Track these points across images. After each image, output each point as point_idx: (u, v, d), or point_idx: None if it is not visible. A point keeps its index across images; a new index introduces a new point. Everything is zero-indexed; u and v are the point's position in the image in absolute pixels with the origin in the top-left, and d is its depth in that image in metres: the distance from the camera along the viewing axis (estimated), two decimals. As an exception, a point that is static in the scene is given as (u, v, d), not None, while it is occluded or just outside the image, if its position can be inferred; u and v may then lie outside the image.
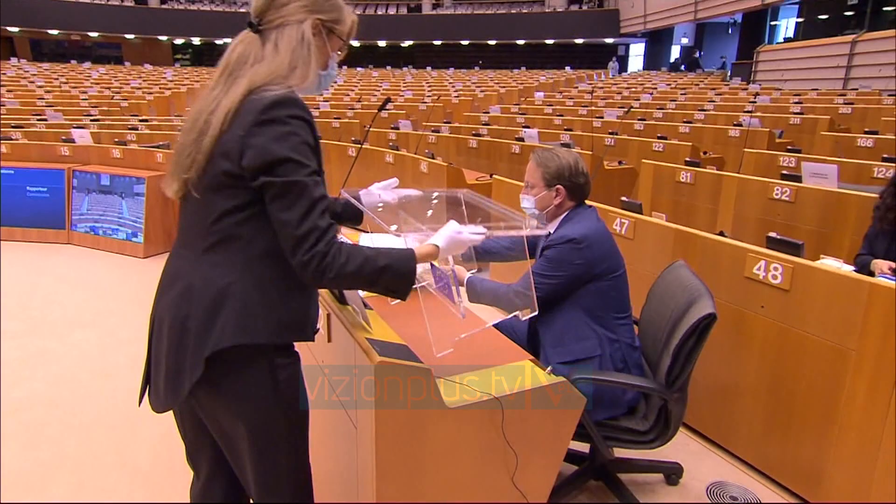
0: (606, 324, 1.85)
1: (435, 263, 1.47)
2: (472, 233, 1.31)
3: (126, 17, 21.64)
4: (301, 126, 1.10)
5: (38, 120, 7.90)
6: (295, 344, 1.23)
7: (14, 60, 18.04)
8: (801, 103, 8.96)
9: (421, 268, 1.26)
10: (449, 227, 1.29)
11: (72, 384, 2.86)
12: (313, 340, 1.24)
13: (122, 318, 3.65)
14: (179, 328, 1.12)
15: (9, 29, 20.39)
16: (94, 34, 21.92)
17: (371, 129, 7.93)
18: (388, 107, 10.95)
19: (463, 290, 1.84)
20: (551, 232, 1.94)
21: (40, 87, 12.67)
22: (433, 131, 7.32)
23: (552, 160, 1.92)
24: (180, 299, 1.13)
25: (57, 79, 14.24)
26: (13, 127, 6.74)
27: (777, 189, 3.62)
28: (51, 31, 21.11)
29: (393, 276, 1.16)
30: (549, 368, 1.47)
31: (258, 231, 1.12)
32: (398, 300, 1.23)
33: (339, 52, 1.26)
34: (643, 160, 4.97)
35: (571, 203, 1.95)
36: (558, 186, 1.91)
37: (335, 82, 14.80)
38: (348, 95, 12.78)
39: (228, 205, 1.11)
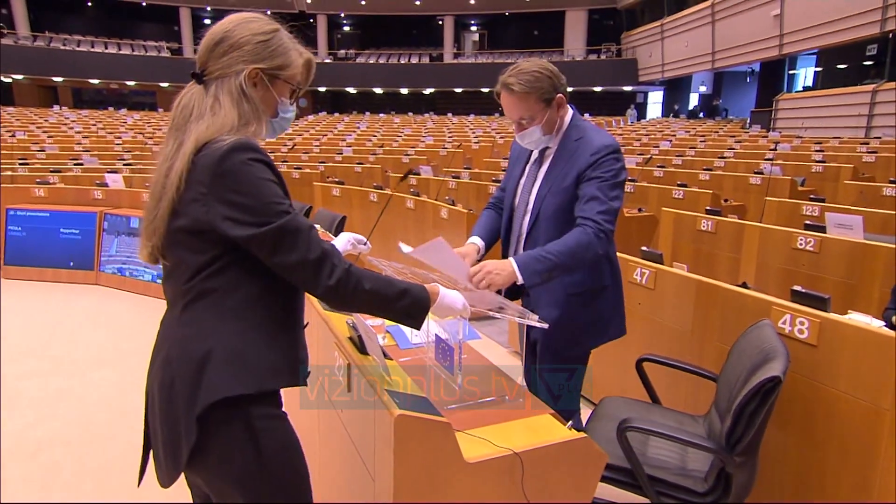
0: (612, 245, 1.76)
1: (441, 335, 1.50)
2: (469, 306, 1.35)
3: (161, 67, 22.74)
4: (261, 168, 1.06)
5: (75, 164, 8.23)
6: (300, 400, 1.21)
7: (56, 108, 18.95)
8: (822, 151, 8.93)
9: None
10: (456, 292, 1.34)
11: (89, 425, 2.87)
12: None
13: (142, 359, 3.63)
14: (167, 395, 1.10)
15: (53, 79, 21.57)
16: (130, 83, 23.03)
17: (392, 175, 8.11)
18: (409, 152, 10.96)
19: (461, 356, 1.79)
20: (551, 146, 1.80)
21: (78, 132, 13.25)
22: (453, 177, 7.43)
23: (535, 78, 1.71)
24: (163, 366, 1.12)
25: (94, 125, 14.90)
26: (52, 171, 7.03)
27: (801, 239, 3.57)
28: (92, 81, 22.26)
29: (412, 300, 1.20)
30: (569, 423, 1.44)
31: (234, 280, 1.10)
32: (412, 328, 1.26)
33: (292, 97, 1.22)
34: (663, 208, 4.97)
35: (566, 105, 1.80)
36: (559, 96, 1.75)
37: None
38: (370, 141, 13.11)
39: (198, 261, 1.09)
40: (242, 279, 1.10)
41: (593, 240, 1.62)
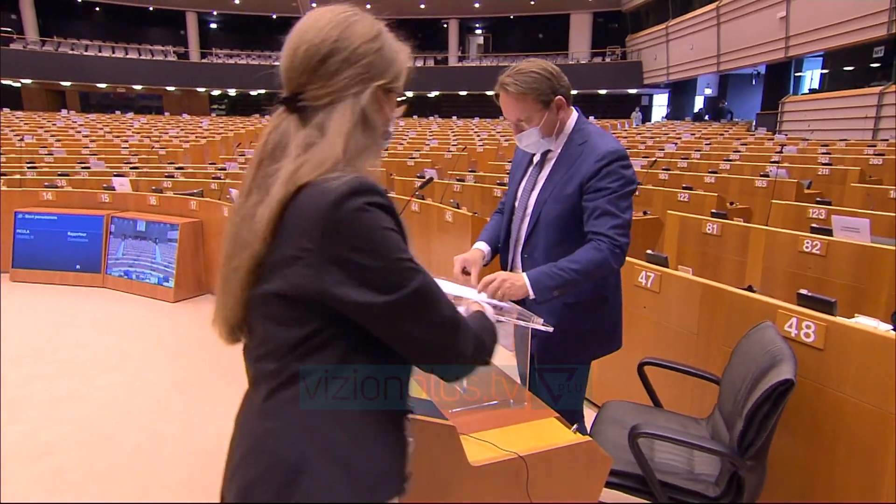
0: None
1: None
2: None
3: (168, 71, 22.95)
4: (381, 216, 0.83)
5: (83, 168, 8.29)
6: None
7: (64, 112, 19.10)
8: (829, 154, 8.89)
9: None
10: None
11: (96, 428, 2.89)
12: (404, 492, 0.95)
13: (148, 362, 3.70)
14: (243, 499, 0.88)
15: (61, 83, 21.77)
16: (137, 87, 23.21)
17: (397, 178, 8.11)
18: (413, 155, 10.97)
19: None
20: (552, 149, 1.76)
21: (86, 136, 13.34)
22: (458, 180, 7.44)
23: (533, 79, 1.66)
24: (243, 464, 0.89)
25: (101, 128, 14.99)
26: (59, 175, 7.08)
27: (807, 242, 3.56)
28: (99, 85, 22.45)
29: (495, 338, 1.04)
30: (574, 427, 1.44)
31: (338, 360, 0.86)
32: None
33: (398, 108, 0.99)
34: (668, 210, 4.96)
35: (569, 107, 1.76)
36: (557, 98, 1.69)
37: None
38: (376, 144, 13.11)
39: (292, 336, 0.85)
40: (347, 358, 0.87)
41: (608, 256, 1.59)
